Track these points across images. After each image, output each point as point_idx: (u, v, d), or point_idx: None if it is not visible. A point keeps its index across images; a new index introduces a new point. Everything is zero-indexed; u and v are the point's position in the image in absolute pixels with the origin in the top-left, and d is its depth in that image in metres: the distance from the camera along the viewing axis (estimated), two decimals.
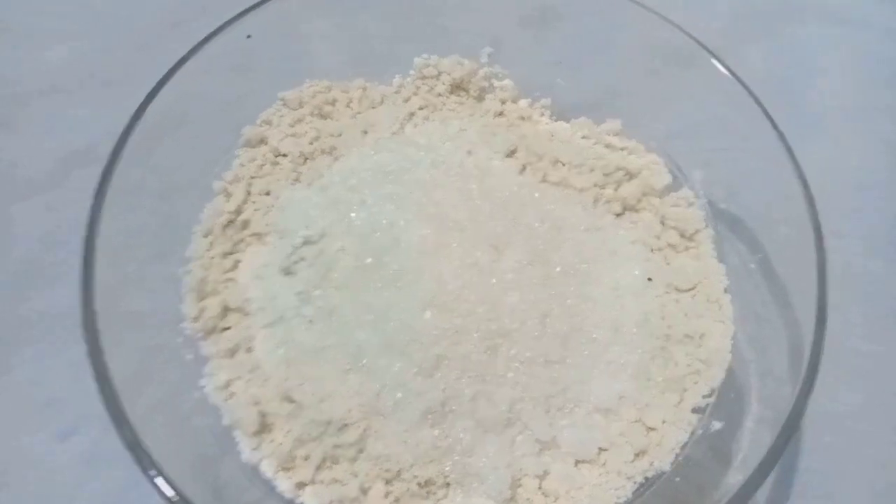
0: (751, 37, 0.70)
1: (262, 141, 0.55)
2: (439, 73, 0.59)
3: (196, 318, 0.47)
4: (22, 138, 0.61)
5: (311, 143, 0.55)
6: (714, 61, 0.52)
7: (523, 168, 0.55)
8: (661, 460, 0.43)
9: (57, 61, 0.66)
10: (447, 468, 0.42)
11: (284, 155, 0.55)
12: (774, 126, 0.48)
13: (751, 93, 0.50)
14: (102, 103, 0.63)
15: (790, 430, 0.38)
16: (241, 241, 0.51)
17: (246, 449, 0.43)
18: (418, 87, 0.59)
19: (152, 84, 0.47)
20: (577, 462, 0.44)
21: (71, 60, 0.66)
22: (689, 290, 0.50)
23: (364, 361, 0.42)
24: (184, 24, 0.67)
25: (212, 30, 0.51)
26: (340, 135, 0.56)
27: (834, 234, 0.44)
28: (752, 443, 0.41)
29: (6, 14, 0.68)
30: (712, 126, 0.54)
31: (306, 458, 0.42)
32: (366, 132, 0.56)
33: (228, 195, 0.52)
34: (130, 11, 0.69)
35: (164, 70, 0.48)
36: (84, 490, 0.46)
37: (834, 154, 0.63)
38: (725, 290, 0.49)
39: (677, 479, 0.43)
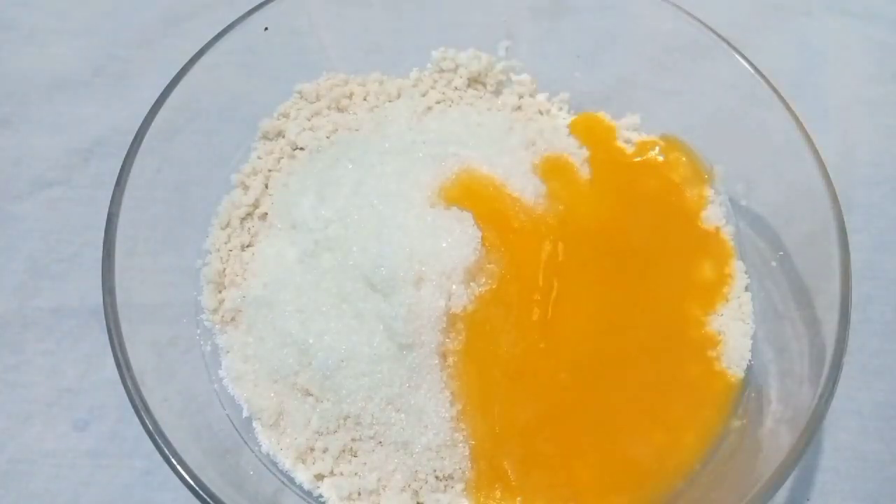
0: (757, 29, 0.69)
1: (280, 134, 0.55)
2: (457, 67, 0.59)
3: (215, 310, 0.48)
4: (26, 135, 0.60)
5: (328, 137, 0.55)
6: (734, 53, 0.51)
7: None
8: None
9: (61, 58, 0.65)
10: (466, 462, 0.42)
11: (301, 148, 0.55)
12: (796, 120, 0.47)
13: (771, 85, 0.49)
14: (107, 100, 0.63)
15: (812, 432, 0.37)
16: (259, 233, 0.51)
17: (264, 440, 0.43)
18: (435, 81, 0.59)
19: (156, 80, 0.47)
20: None
21: (75, 57, 0.65)
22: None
23: (384, 356, 0.42)
24: (187, 21, 0.66)
25: (215, 26, 0.50)
26: (358, 129, 0.56)
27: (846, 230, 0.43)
28: (772, 442, 0.41)
29: (9, 11, 0.67)
30: (731, 120, 0.53)
31: (325, 450, 0.43)
32: (383, 126, 0.56)
33: (246, 188, 0.52)
34: (133, 8, 0.68)
35: (169, 66, 0.47)
36: (97, 479, 0.47)
37: (843, 148, 0.62)
38: (746, 289, 0.49)
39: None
